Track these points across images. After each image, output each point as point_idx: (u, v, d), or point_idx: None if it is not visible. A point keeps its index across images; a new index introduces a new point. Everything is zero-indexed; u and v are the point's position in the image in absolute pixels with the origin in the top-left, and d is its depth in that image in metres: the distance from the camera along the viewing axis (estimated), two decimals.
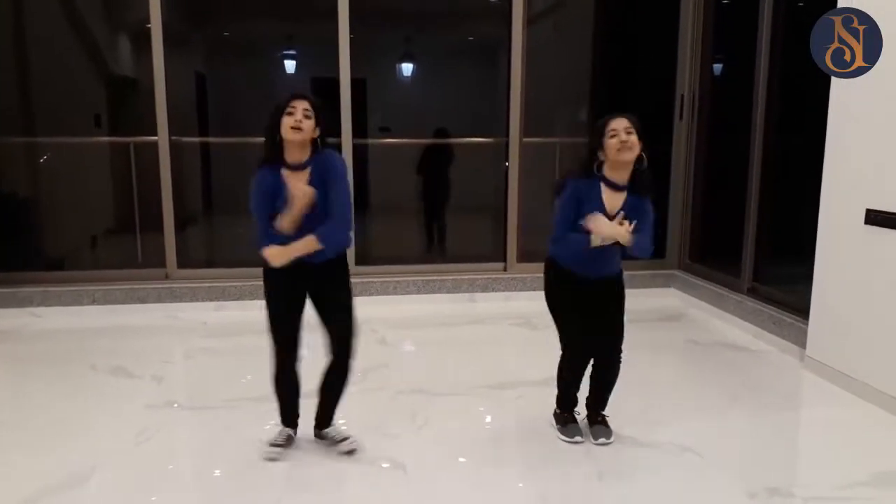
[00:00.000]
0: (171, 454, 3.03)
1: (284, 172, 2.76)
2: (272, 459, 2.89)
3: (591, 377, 3.13)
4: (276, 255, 2.74)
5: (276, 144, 2.77)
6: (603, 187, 2.89)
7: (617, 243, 2.84)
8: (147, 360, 4.12)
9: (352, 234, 2.88)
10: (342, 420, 3.38)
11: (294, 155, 2.77)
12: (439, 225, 6.45)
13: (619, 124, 2.86)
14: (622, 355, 3.06)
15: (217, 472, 2.84)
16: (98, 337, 4.60)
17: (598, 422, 3.15)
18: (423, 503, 2.65)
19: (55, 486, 2.70)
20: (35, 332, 4.71)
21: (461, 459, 2.98)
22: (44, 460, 2.92)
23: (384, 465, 2.89)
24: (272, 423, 3.12)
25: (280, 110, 2.75)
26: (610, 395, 3.14)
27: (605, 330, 3.06)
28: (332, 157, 2.85)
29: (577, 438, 3.10)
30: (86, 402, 3.54)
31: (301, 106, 2.74)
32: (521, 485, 2.81)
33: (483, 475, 2.86)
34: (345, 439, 3.01)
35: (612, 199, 2.89)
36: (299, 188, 2.70)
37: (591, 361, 3.11)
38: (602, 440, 3.08)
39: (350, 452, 2.96)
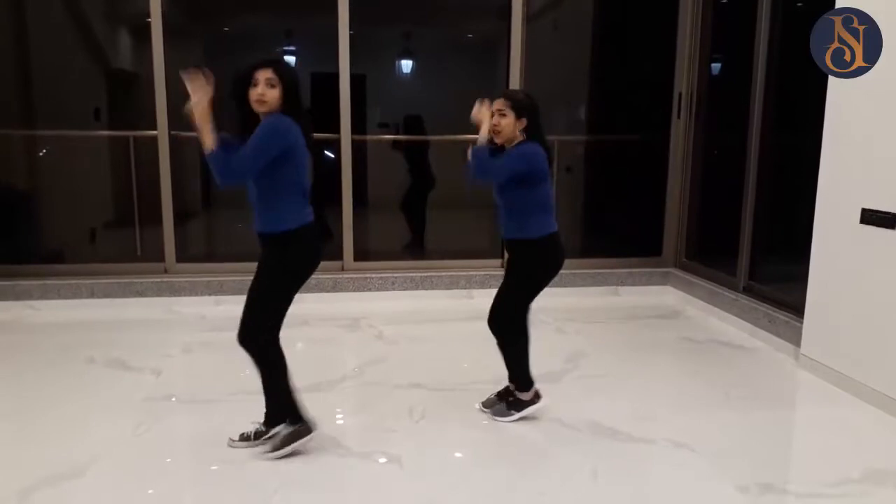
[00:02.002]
0: (169, 447, 3.05)
1: None
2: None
3: None
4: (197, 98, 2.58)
5: (245, 116, 2.70)
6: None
7: (512, 204, 3.06)
8: (145, 353, 4.14)
9: (228, 180, 2.65)
10: (339, 414, 3.40)
11: None
12: (419, 218, 6.41)
13: (495, 104, 3.06)
14: (504, 329, 3.19)
15: (214, 467, 2.86)
16: (96, 330, 4.62)
17: (505, 400, 3.32)
18: (419, 498, 2.67)
19: (52, 478, 2.72)
20: (33, 325, 4.73)
21: (458, 455, 3.01)
22: (41, 452, 2.93)
23: (381, 460, 2.91)
24: None
25: (245, 81, 2.68)
26: (510, 367, 3.24)
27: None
28: (268, 118, 2.67)
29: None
30: (84, 395, 3.56)
31: (263, 76, 2.65)
32: (517, 480, 2.83)
33: (479, 470, 2.88)
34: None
35: None
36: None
37: None
38: (489, 413, 3.28)
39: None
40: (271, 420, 2.96)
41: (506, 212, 3.12)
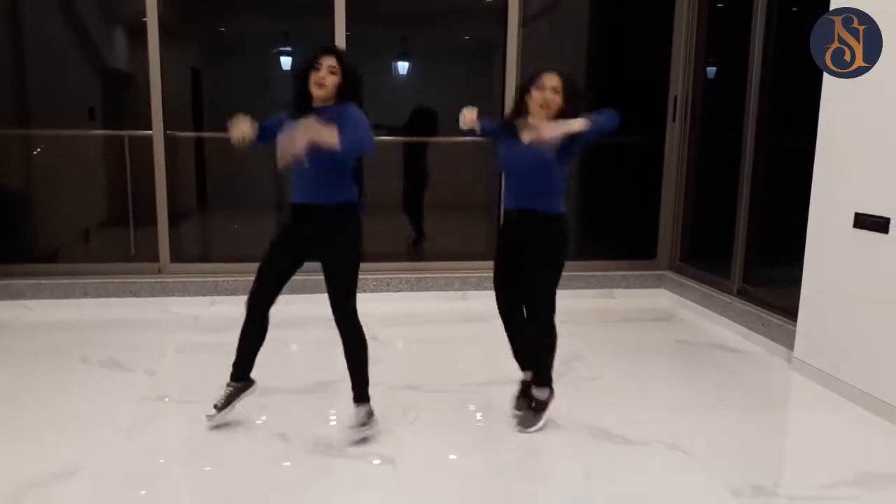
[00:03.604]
0: (162, 448, 3.04)
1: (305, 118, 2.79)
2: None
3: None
4: (294, 138, 2.61)
5: (303, 96, 2.84)
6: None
7: (548, 178, 2.91)
8: (139, 353, 4.13)
9: (371, 146, 2.82)
10: (333, 415, 3.40)
11: (318, 105, 2.86)
12: (418, 216, 6.42)
13: (550, 81, 2.86)
14: (549, 323, 3.06)
15: (208, 468, 2.85)
16: (90, 330, 4.60)
17: (527, 406, 3.21)
18: (413, 499, 2.67)
19: (44, 478, 2.71)
20: (27, 325, 4.71)
21: (452, 456, 3.00)
22: (33, 452, 2.92)
23: (375, 462, 2.91)
24: (263, 419, 3.13)
25: (308, 63, 2.81)
26: (541, 366, 3.16)
27: (520, 280, 3.06)
28: (350, 107, 2.84)
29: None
30: (77, 395, 3.54)
31: (327, 62, 2.81)
32: (510, 482, 2.83)
33: (473, 472, 2.88)
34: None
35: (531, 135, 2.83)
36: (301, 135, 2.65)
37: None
38: (519, 428, 3.14)
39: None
40: (360, 396, 3.12)
41: (537, 187, 2.94)
